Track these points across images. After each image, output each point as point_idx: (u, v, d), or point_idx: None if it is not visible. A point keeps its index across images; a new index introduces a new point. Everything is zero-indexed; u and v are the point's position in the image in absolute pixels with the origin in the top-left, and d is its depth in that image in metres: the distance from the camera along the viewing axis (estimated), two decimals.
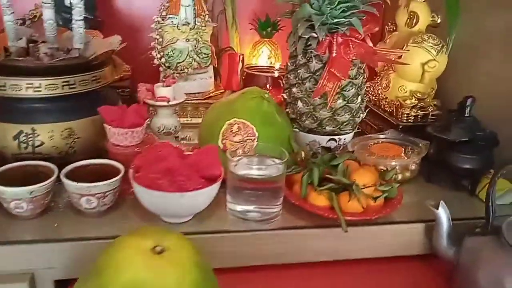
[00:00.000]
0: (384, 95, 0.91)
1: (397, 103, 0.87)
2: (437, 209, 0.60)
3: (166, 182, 0.56)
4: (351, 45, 0.72)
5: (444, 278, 0.63)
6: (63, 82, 0.64)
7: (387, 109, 0.90)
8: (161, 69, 0.96)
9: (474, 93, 0.75)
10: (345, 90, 0.75)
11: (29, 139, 0.63)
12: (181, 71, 0.96)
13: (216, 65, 1.03)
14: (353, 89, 0.75)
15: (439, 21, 0.85)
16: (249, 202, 0.63)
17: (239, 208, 0.63)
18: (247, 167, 0.62)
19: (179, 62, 0.96)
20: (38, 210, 0.60)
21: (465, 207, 0.71)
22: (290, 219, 0.64)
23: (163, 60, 0.96)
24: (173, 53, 0.96)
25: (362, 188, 0.61)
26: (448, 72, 0.87)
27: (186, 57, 0.96)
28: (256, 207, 0.63)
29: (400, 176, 0.75)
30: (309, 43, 0.73)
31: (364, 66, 0.77)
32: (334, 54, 0.71)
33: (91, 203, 0.59)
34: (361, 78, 0.76)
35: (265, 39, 1.08)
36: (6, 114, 0.63)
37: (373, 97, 0.95)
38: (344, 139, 0.80)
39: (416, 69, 0.82)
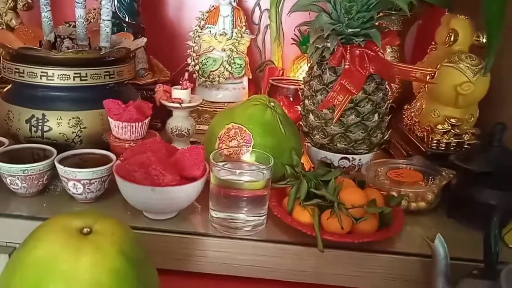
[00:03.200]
0: (416, 119, 0.83)
1: (428, 128, 0.79)
2: (433, 242, 0.53)
3: (141, 175, 0.56)
4: (366, 58, 0.67)
5: None
6: (75, 73, 0.67)
7: (418, 134, 0.82)
8: (194, 76, 0.99)
9: None
10: (359, 106, 0.70)
11: (39, 124, 0.68)
12: (212, 80, 0.98)
13: (251, 77, 1.03)
14: (369, 105, 0.70)
15: (484, 40, 0.76)
16: (230, 210, 0.60)
17: (220, 215, 0.60)
18: (230, 173, 0.60)
19: (212, 71, 0.98)
20: (32, 189, 0.63)
21: None
22: (273, 232, 0.61)
23: (197, 67, 0.98)
24: (207, 62, 0.98)
25: (348, 208, 0.56)
26: (493, 99, 0.78)
27: (219, 66, 0.98)
28: (237, 215, 0.60)
29: (413, 206, 0.68)
30: (323, 54, 0.70)
31: (386, 83, 0.72)
32: (346, 66, 0.67)
33: (77, 188, 0.61)
34: (381, 94, 0.71)
35: (305, 54, 1.06)
36: (21, 99, 0.69)
37: (408, 121, 0.87)
38: (360, 159, 0.74)
39: (448, 91, 0.74)
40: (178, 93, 0.79)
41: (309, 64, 0.77)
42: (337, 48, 0.67)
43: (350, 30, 0.67)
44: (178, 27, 1.14)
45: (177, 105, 0.77)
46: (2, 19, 0.96)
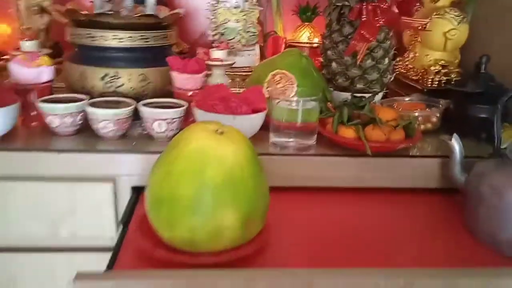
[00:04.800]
0: (411, 66, 1.01)
1: (422, 71, 0.97)
2: (451, 140, 0.70)
3: (222, 107, 0.70)
4: (378, 12, 0.84)
5: (458, 211, 0.71)
6: (140, 36, 0.79)
7: (413, 77, 1.00)
8: (213, 45, 1.12)
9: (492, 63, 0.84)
10: (374, 52, 0.86)
11: (113, 81, 0.79)
12: (231, 47, 1.11)
13: (262, 44, 1.17)
14: (381, 51, 0.87)
15: None
16: (288, 136, 0.75)
17: (280, 140, 0.75)
18: (286, 107, 0.75)
19: (230, 39, 1.11)
20: (119, 132, 0.75)
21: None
22: (322, 150, 0.76)
23: (216, 37, 1.11)
24: (225, 31, 1.11)
25: (386, 121, 0.72)
26: (470, 45, 0.97)
27: (236, 35, 1.11)
28: (294, 139, 0.75)
29: (422, 127, 0.85)
30: (342, 11, 0.86)
31: (391, 33, 0.89)
32: (363, 19, 0.84)
33: (161, 127, 0.73)
34: (389, 42, 0.88)
35: (306, 23, 1.22)
36: (96, 60, 0.79)
37: (402, 70, 1.05)
38: (374, 97, 0.90)
39: (438, 38, 0.93)
40: (217, 53, 0.92)
41: (326, 22, 0.92)
42: (355, 5, 0.84)
43: None
44: (190, 3, 1.25)
45: (218, 62, 0.91)
46: (34, 1, 1.04)
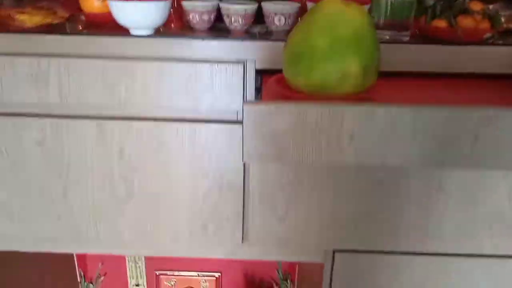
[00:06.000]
0: None
1: None
2: None
3: None
4: None
5: None
6: None
7: None
8: None
9: None
10: None
11: None
12: None
13: None
14: None
15: None
16: (385, 30, 0.89)
17: (378, 33, 0.89)
18: (385, 1, 0.88)
19: None
20: (245, 27, 0.92)
21: None
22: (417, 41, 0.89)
23: None
24: None
25: (475, 11, 0.84)
26: None
27: None
28: (391, 33, 0.88)
29: (505, 26, 0.95)
30: None
31: None
32: None
33: (281, 21, 0.89)
34: None
35: None
36: None
37: None
38: None
39: None
40: None
41: None
42: None
43: None
44: None
45: None
46: None
